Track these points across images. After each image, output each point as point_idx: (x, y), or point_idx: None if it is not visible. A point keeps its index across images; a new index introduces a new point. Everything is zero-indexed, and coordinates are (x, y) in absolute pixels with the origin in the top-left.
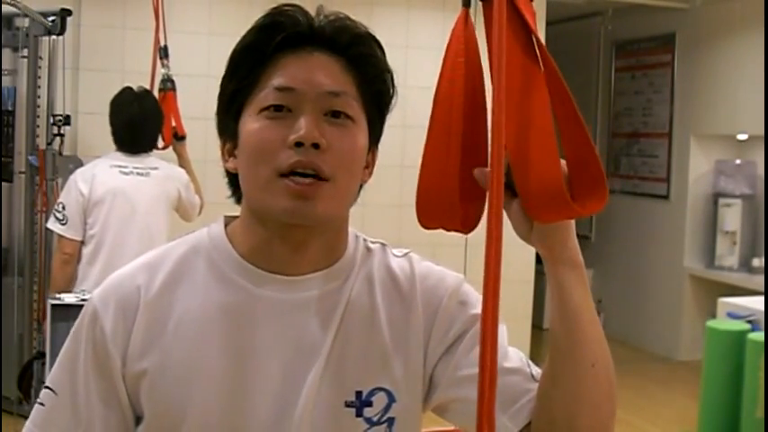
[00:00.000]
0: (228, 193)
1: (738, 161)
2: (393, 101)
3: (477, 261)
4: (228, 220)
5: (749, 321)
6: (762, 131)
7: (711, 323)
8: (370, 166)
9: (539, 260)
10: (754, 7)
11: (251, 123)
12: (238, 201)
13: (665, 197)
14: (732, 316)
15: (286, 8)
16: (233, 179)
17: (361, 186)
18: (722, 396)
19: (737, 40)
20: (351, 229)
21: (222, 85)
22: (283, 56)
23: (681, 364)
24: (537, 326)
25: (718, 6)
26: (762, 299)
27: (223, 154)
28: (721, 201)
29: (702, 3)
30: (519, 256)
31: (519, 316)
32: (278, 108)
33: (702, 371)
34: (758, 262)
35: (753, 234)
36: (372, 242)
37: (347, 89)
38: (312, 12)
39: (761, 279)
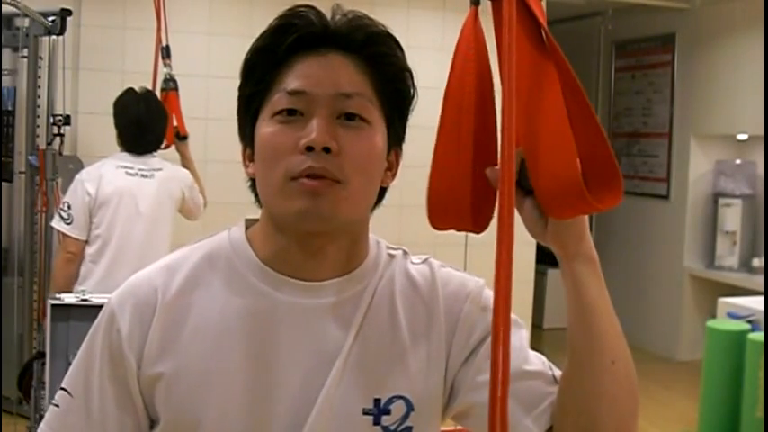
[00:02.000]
0: (231, 192)
1: (738, 161)
2: (414, 100)
3: (477, 261)
4: (249, 224)
5: (749, 321)
6: (762, 131)
7: (711, 323)
8: (393, 167)
9: (539, 260)
10: (754, 7)
11: (265, 128)
12: (261, 205)
13: (665, 197)
14: (732, 316)
15: (300, 9)
16: (254, 184)
17: (384, 189)
18: (722, 396)
19: (737, 40)
20: (372, 236)
21: (239, 89)
22: (297, 58)
23: (681, 364)
24: (537, 326)
25: (718, 6)
26: (762, 299)
27: (244, 159)
28: (721, 201)
29: (702, 3)
30: (519, 255)
31: (519, 316)
32: (291, 112)
33: (702, 371)
34: (758, 262)
35: (753, 234)
36: (395, 249)
37: (362, 90)
38: (327, 12)
39: (761, 279)
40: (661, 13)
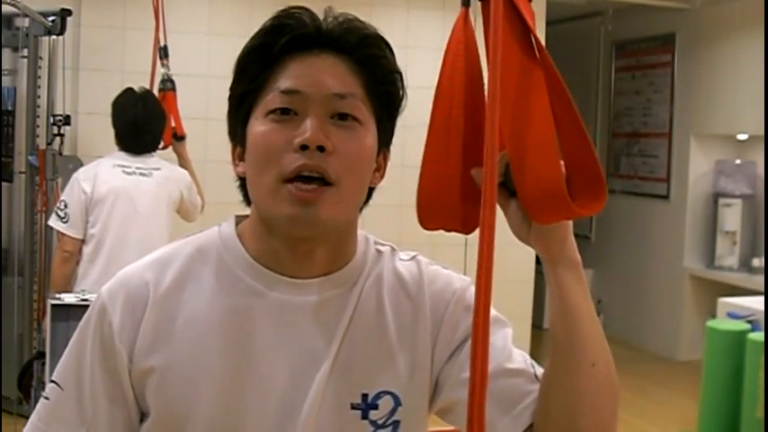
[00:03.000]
0: (230, 193)
1: (738, 161)
2: (403, 102)
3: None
4: (239, 220)
5: (749, 321)
6: (762, 131)
7: (711, 323)
8: (381, 168)
9: (539, 260)
10: (754, 7)
11: (257, 127)
12: (249, 204)
13: (665, 197)
14: (732, 316)
15: (293, 10)
16: (244, 183)
17: (372, 189)
18: (722, 396)
19: (737, 40)
20: (361, 232)
21: (231, 89)
22: (290, 58)
23: (681, 364)
24: (537, 326)
25: (719, 6)
26: (762, 299)
27: (233, 158)
28: (721, 201)
29: (702, 3)
30: (519, 256)
31: (519, 316)
32: (284, 111)
33: (702, 371)
34: (758, 262)
35: (753, 234)
36: (383, 245)
37: (354, 91)
38: (320, 14)
39: (761, 279)
40: (661, 13)
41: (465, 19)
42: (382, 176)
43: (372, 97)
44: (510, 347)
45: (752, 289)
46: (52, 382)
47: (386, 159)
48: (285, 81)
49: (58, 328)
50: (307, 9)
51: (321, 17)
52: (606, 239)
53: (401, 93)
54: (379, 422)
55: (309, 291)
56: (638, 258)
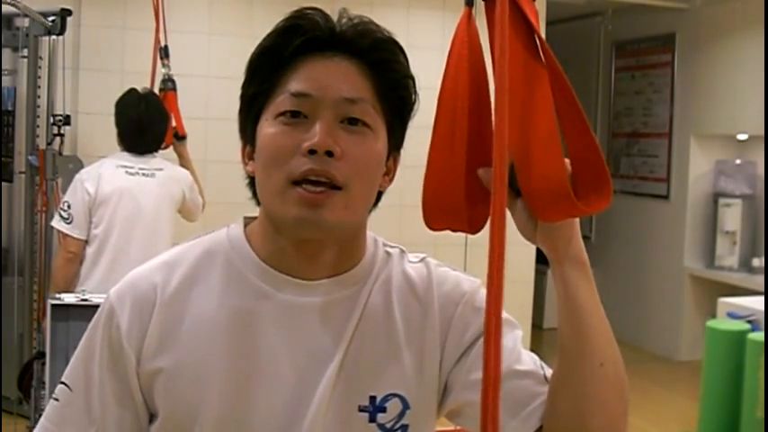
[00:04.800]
0: (231, 193)
1: (738, 161)
2: (415, 107)
3: (478, 260)
4: (248, 221)
5: (749, 321)
6: (762, 131)
7: (711, 323)
8: (390, 172)
9: (539, 260)
10: (754, 7)
11: (267, 128)
12: (258, 203)
13: (665, 197)
14: (732, 316)
15: (307, 11)
16: (253, 182)
17: (381, 192)
18: (722, 396)
19: (737, 40)
20: (370, 233)
21: (242, 89)
22: (302, 59)
23: (681, 364)
24: (537, 326)
25: (718, 6)
26: (762, 299)
27: (243, 157)
28: (721, 201)
29: (702, 3)
30: (519, 255)
31: (519, 316)
32: (294, 114)
33: (702, 371)
34: (758, 262)
35: (753, 234)
36: (392, 247)
37: (365, 96)
38: (333, 14)
39: (761, 279)
40: (661, 13)
41: (468, 19)
42: (391, 180)
43: (384, 102)
44: (519, 349)
45: (752, 289)
46: (62, 383)
47: (396, 163)
48: (296, 84)
49: (58, 328)
50: (320, 10)
51: (334, 18)
52: (606, 239)
53: (413, 97)
54: (388, 426)
55: (317, 292)
56: (638, 258)
